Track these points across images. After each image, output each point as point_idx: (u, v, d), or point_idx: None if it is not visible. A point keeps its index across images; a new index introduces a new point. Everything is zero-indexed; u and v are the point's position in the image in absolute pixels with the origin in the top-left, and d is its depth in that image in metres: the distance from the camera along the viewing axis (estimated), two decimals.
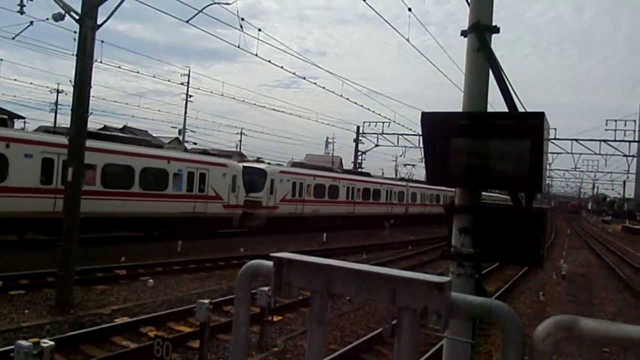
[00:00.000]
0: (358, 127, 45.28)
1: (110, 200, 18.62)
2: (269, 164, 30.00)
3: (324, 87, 53.68)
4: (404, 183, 43.70)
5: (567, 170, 61.10)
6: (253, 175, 26.05)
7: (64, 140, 14.70)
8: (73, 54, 11.49)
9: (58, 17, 10.88)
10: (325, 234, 25.16)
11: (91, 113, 11.20)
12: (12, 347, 5.28)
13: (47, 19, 11.99)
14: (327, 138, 75.47)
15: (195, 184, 22.26)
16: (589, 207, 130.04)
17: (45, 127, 28.81)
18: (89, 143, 11.26)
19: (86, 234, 14.72)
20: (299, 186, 28.82)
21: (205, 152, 26.99)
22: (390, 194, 39.49)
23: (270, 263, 1.53)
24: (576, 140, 37.48)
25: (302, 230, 27.56)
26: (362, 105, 63.20)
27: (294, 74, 69.03)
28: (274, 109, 70.18)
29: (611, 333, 1.14)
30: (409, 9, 14.37)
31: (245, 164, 27.10)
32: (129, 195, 19.41)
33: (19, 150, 16.03)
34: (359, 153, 47.33)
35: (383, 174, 56.44)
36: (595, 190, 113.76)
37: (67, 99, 48.96)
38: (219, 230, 24.09)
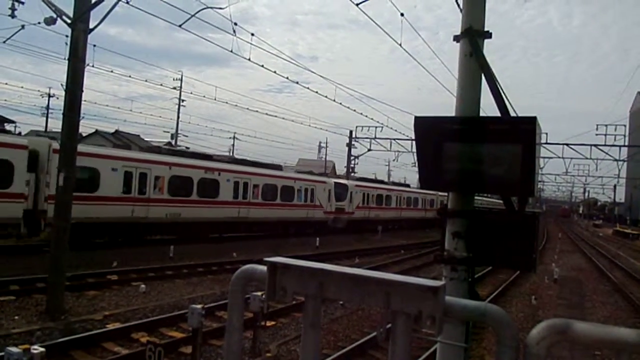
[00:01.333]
0: (351, 132, 45.34)
1: (265, 209, 27.05)
2: (348, 179, 40.00)
3: (316, 92, 53.86)
4: (434, 192, 48.32)
5: (558, 175, 61.51)
6: (339, 189, 34.45)
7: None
8: (65, 58, 11.44)
9: (50, 21, 10.83)
10: (318, 239, 25.14)
11: (83, 117, 11.14)
12: (2, 353, 5.21)
13: (39, 22, 11.93)
14: (320, 142, 75.52)
15: (309, 196, 30.56)
16: (580, 211, 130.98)
17: (36, 132, 28.68)
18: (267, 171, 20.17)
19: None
20: (367, 197, 38.03)
21: (311, 173, 36.79)
22: (424, 201, 49.11)
23: (264, 268, 1.52)
24: (567, 144, 37.72)
25: (371, 230, 35.46)
26: (354, 110, 63.37)
27: (287, 78, 69.07)
28: (266, 114, 70.25)
29: (604, 336, 1.15)
30: (402, 14, 14.44)
31: (335, 181, 35.86)
32: (274, 205, 27.88)
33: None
34: (352, 157, 47.39)
35: (380, 177, 56.76)
36: (587, 194, 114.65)
37: (58, 103, 48.69)
38: (320, 230, 30.13)
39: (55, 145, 15.75)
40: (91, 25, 10.34)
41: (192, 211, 22.29)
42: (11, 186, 16.00)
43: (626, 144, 37.11)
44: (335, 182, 34.74)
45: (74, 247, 11.74)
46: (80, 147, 14.48)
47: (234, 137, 79.89)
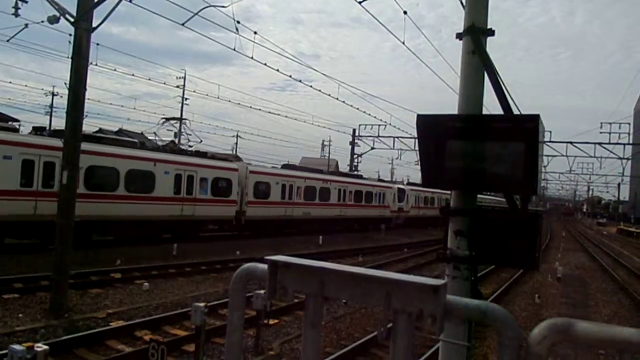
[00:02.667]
0: (354, 130, 45.35)
1: (355, 209, 35.54)
2: (405, 184, 49.49)
3: (319, 90, 53.74)
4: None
5: (562, 173, 61.36)
6: (400, 193, 42.93)
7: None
8: (68, 57, 11.45)
9: (53, 20, 10.84)
10: (321, 237, 25.15)
11: (86, 116, 11.16)
12: (6, 351, 5.23)
13: (42, 21, 11.94)
14: (323, 141, 75.49)
15: (382, 199, 39.35)
16: (584, 210, 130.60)
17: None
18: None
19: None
20: (417, 198, 46.11)
21: (381, 180, 46.40)
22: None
23: (265, 266, 1.52)
24: (571, 143, 37.63)
25: (426, 226, 44.73)
26: (357, 108, 63.32)
27: (290, 76, 69.11)
28: (269, 112, 70.21)
29: (606, 335, 1.14)
30: (405, 12, 14.41)
31: (397, 186, 44.21)
32: (361, 206, 36.41)
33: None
34: (355, 156, 47.36)
35: (379, 176, 56.74)
36: (590, 192, 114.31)
37: (62, 101, 48.84)
38: (385, 225, 36.02)
39: (252, 167, 26.60)
40: (94, 24, 10.35)
41: (315, 211, 31.25)
42: (230, 195, 24.35)
43: (630, 142, 36.91)
44: (397, 187, 43.86)
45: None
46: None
47: (237, 136, 79.90)
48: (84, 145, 12.16)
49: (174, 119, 25.75)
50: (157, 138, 27.64)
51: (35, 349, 5.25)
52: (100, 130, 27.63)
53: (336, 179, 34.36)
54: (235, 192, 24.67)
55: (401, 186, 45.78)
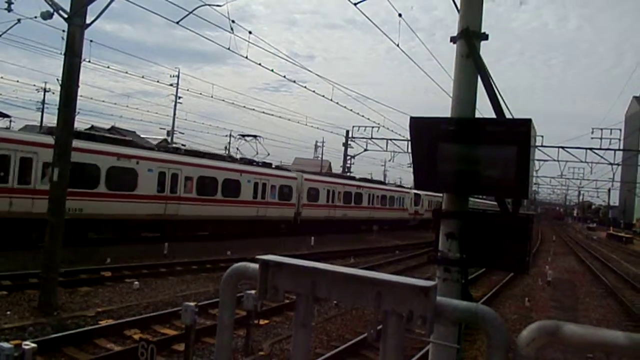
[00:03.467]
0: (347, 132, 45.37)
1: (380, 211, 40.78)
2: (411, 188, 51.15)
3: (313, 91, 53.74)
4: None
5: (553, 178, 61.74)
6: (416, 197, 47.53)
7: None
8: (61, 53, 11.38)
9: (46, 16, 10.76)
10: (313, 238, 25.15)
11: (78, 112, 11.09)
12: None
13: (35, 17, 11.85)
14: (317, 142, 75.53)
15: (401, 202, 44.65)
16: (575, 214, 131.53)
17: (31, 127, 28.61)
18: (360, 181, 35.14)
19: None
20: (431, 202, 49.69)
21: (400, 186, 53.07)
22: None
23: (256, 266, 1.52)
24: (563, 147, 37.84)
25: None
26: (351, 110, 63.36)
27: (285, 77, 69.03)
28: (263, 112, 70.20)
29: (594, 338, 1.15)
30: (400, 15, 14.43)
31: (414, 191, 46.89)
32: (385, 209, 41.47)
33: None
34: (348, 157, 47.40)
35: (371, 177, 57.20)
36: (581, 197, 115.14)
37: (54, 98, 48.47)
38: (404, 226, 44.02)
39: (306, 175, 31.32)
40: (88, 21, 10.29)
41: (354, 213, 36.55)
42: (291, 199, 29.25)
43: (621, 147, 37.23)
44: (414, 192, 47.19)
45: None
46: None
47: (230, 135, 79.69)
48: (194, 160, 22.36)
49: (249, 135, 31.66)
50: (238, 152, 32.63)
51: (23, 347, 5.21)
52: (93, 128, 27.66)
53: (367, 185, 39.70)
54: (294, 197, 29.73)
55: (417, 191, 48.25)
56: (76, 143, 13.03)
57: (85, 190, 17.85)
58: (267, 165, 29.27)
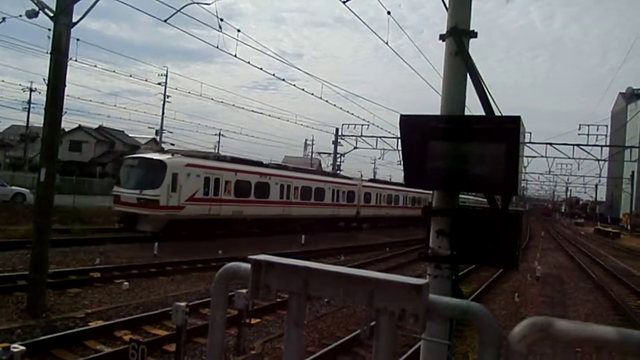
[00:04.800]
0: (337, 129, 45.42)
1: (404, 210, 46.48)
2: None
3: (303, 89, 53.80)
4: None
5: (541, 174, 62.38)
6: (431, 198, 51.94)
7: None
8: (47, 52, 11.25)
9: (32, 14, 10.63)
10: (303, 236, 25.15)
11: (65, 112, 10.98)
12: None
13: (20, 15, 11.69)
14: (306, 140, 75.51)
15: (419, 202, 47.58)
16: (563, 210, 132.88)
17: (17, 127, 28.28)
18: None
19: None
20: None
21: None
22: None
23: (248, 265, 1.51)
24: (550, 144, 38.23)
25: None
26: (341, 108, 63.53)
27: (274, 75, 68.94)
28: (252, 110, 69.98)
29: (585, 334, 1.16)
30: (388, 12, 14.47)
31: (428, 192, 54.72)
32: (407, 208, 47.22)
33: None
34: (338, 155, 47.46)
35: (361, 176, 57.81)
36: (569, 193, 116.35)
37: (40, 97, 47.96)
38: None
39: (363, 183, 39.87)
40: (74, 19, 10.18)
41: (391, 211, 44.09)
42: (354, 202, 36.85)
43: (608, 143, 37.67)
44: (429, 193, 54.35)
45: None
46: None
47: (219, 134, 79.40)
48: (298, 174, 31.88)
49: (325, 153, 44.03)
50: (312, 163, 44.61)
51: (12, 349, 5.16)
52: (80, 128, 27.69)
53: (401, 188, 44.43)
54: (356, 199, 37.39)
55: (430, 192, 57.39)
56: (241, 167, 26.22)
57: (244, 199, 25.78)
58: (337, 175, 40.63)
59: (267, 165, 30.17)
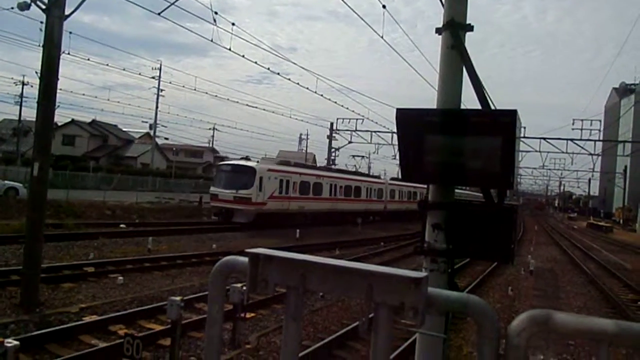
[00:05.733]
0: (331, 124, 45.41)
1: (413, 204, 47.46)
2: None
3: (297, 83, 53.71)
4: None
5: (535, 168, 62.70)
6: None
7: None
8: (39, 45, 11.15)
9: (23, 6, 10.53)
10: (298, 230, 25.18)
11: (58, 106, 10.90)
12: None
13: (12, 7, 11.59)
14: (301, 134, 75.48)
15: None
16: (556, 204, 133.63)
17: (9, 121, 28.12)
18: None
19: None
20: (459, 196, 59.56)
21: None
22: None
23: (245, 259, 1.50)
24: (544, 138, 38.42)
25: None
26: (335, 102, 63.48)
27: (269, 69, 68.62)
28: (247, 105, 69.90)
29: (583, 327, 1.16)
30: (384, 6, 14.43)
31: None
32: None
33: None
34: (333, 149, 47.45)
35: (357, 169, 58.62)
36: (562, 187, 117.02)
37: (32, 91, 47.60)
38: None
39: (389, 181, 46.04)
40: (67, 12, 10.09)
41: (411, 206, 47.21)
42: (382, 198, 42.93)
43: (601, 138, 37.89)
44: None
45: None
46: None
47: (213, 129, 79.17)
48: (347, 175, 40.45)
49: (359, 156, 53.66)
50: (347, 165, 51.52)
51: (5, 344, 5.14)
52: (73, 122, 27.83)
53: (418, 186, 45.94)
54: (384, 196, 43.66)
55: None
56: (303, 170, 32.53)
57: (305, 196, 31.74)
58: (369, 175, 48.13)
59: (319, 168, 39.45)
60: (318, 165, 54.15)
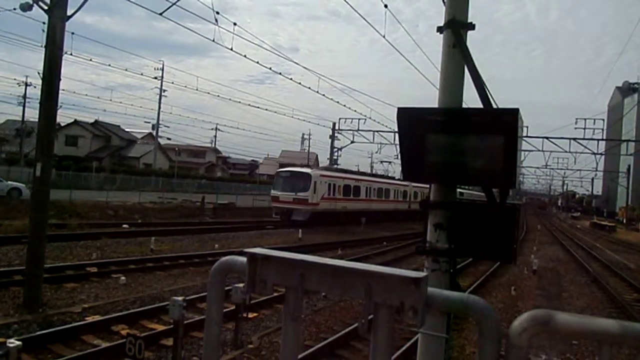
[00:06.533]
0: (334, 124, 45.38)
1: None
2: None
3: (299, 83, 53.71)
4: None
5: (538, 168, 62.52)
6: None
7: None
8: (42, 45, 11.17)
9: (26, 7, 10.53)
10: (300, 230, 25.18)
11: (61, 106, 10.91)
12: None
13: (14, 8, 11.60)
14: (303, 134, 75.50)
15: None
16: (559, 204, 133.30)
17: (12, 122, 28.16)
18: None
19: None
20: (471, 196, 61.08)
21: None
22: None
23: (244, 259, 1.49)
24: (547, 138, 38.30)
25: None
26: (337, 102, 63.42)
27: (270, 69, 68.70)
28: (249, 105, 70.19)
29: (585, 327, 1.14)
30: (385, 6, 14.41)
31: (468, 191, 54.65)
32: None
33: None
34: (335, 149, 47.44)
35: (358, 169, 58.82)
36: (565, 187, 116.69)
37: (35, 92, 47.71)
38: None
39: (413, 184, 45.48)
40: (69, 12, 10.09)
41: None
42: (406, 199, 48.58)
43: (604, 137, 37.75)
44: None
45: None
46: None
47: (216, 129, 79.23)
48: (386, 180, 48.28)
49: (387, 161, 55.92)
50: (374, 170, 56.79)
51: (8, 344, 5.14)
52: (76, 122, 27.81)
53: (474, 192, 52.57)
54: (408, 196, 48.15)
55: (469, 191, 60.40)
56: (345, 175, 38.16)
57: (347, 197, 36.45)
58: (395, 178, 50.33)
59: (357, 173, 44.23)
60: (320, 165, 54.66)
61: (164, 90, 55.79)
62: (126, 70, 75.03)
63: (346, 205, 36.39)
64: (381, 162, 60.85)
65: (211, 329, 1.56)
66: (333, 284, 1.38)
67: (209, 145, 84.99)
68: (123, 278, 12.62)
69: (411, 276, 1.25)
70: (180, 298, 7.12)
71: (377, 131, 41.96)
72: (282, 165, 49.34)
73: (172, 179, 54.76)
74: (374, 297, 1.29)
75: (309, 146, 79.87)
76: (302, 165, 41.47)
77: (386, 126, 41.86)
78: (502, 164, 2.76)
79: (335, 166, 46.66)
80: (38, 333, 7.98)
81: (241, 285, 7.87)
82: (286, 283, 1.42)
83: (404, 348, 8.30)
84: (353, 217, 36.03)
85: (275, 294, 10.71)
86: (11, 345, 5.14)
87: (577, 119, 36.29)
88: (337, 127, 44.89)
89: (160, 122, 57.95)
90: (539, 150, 39.32)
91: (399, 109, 3.00)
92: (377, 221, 38.28)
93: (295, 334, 1.46)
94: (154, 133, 59.20)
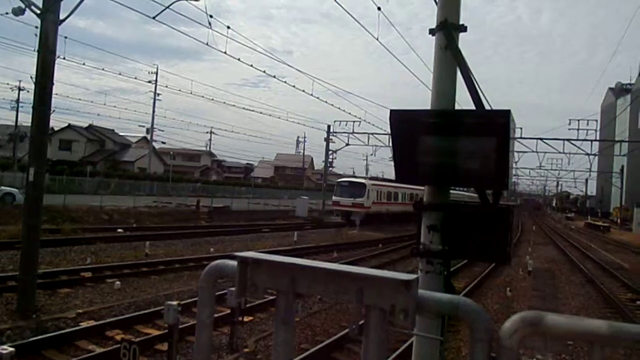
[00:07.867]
0: (329, 127, 45.39)
1: None
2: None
3: (294, 86, 53.64)
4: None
5: (532, 169, 62.68)
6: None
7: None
8: (34, 50, 11.12)
9: (18, 12, 10.50)
10: (296, 233, 25.16)
11: (54, 111, 10.87)
12: None
13: (7, 13, 11.55)
14: (298, 137, 75.52)
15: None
16: (554, 205, 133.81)
17: (5, 127, 28.01)
18: None
19: None
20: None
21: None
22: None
23: (235, 263, 1.48)
24: (541, 139, 38.40)
25: None
26: (332, 105, 63.55)
27: (264, 72, 68.91)
28: (243, 108, 69.97)
29: (576, 328, 1.14)
30: (379, 8, 14.45)
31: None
32: None
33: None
34: (330, 152, 47.47)
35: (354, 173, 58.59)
36: (559, 187, 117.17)
37: (28, 96, 47.48)
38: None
39: (421, 188, 45.86)
40: (61, 17, 10.06)
41: None
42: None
43: (598, 138, 37.94)
44: (464, 193, 59.22)
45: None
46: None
47: (210, 132, 79.19)
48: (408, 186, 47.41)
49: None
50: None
51: (1, 351, 5.10)
52: (70, 127, 27.53)
53: (461, 192, 52.51)
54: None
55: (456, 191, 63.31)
56: (386, 183, 46.59)
57: (388, 202, 44.64)
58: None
59: (394, 181, 45.43)
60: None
61: (158, 94, 55.67)
62: (120, 74, 74.93)
63: (388, 208, 44.91)
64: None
65: (202, 333, 1.55)
66: (324, 288, 1.37)
67: (204, 148, 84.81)
68: (118, 283, 12.55)
69: (402, 279, 1.25)
70: (175, 302, 7.09)
71: (372, 133, 42.02)
72: (276, 168, 55.09)
73: (166, 182, 54.58)
74: (365, 300, 1.29)
75: (304, 149, 79.92)
76: (353, 176, 50.41)
77: (381, 128, 41.94)
78: (495, 165, 2.76)
79: (377, 176, 52.15)
80: (32, 339, 7.92)
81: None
82: (277, 287, 1.41)
83: (399, 351, 8.29)
84: (394, 217, 44.27)
85: (271, 298, 10.69)
86: (4, 351, 5.09)
87: (570, 120, 36.46)
88: (331, 130, 44.91)
89: (155, 126, 57.81)
90: (533, 152, 39.44)
91: (391, 111, 3.00)
92: (407, 220, 44.42)
93: (287, 338, 1.45)
94: (149, 137, 59.07)
